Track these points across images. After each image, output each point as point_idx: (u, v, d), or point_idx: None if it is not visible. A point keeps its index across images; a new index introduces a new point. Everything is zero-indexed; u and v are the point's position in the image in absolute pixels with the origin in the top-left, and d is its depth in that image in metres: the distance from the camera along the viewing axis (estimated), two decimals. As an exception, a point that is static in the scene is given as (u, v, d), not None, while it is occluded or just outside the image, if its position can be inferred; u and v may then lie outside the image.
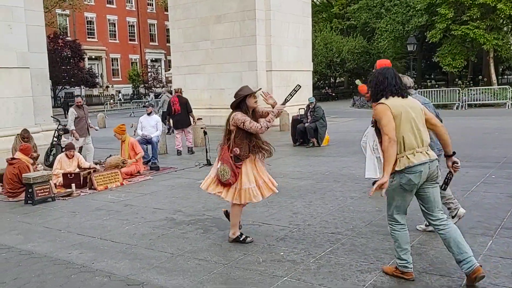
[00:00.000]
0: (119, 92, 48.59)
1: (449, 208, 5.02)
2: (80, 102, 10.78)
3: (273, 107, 4.79)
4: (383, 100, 3.74)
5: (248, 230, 5.36)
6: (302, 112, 13.52)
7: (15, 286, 4.15)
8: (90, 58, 47.83)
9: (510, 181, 7.26)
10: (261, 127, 4.68)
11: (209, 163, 10.10)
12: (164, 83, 50.82)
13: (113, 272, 4.35)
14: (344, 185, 7.58)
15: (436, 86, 31.78)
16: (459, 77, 34.62)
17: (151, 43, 56.63)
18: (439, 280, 3.82)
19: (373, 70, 6.97)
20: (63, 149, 11.25)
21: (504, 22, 27.37)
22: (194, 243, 5.07)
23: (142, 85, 50.81)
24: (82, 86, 42.80)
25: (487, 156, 9.55)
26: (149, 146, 10.75)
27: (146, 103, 18.25)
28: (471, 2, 26.11)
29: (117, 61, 52.62)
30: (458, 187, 6.96)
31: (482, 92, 24.85)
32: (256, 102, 4.85)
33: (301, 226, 5.48)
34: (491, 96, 24.42)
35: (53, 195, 7.48)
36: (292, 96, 4.98)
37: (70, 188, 8.07)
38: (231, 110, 4.89)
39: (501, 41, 27.78)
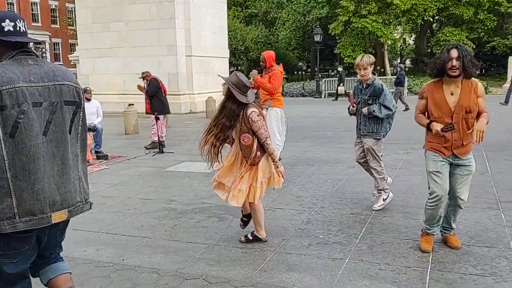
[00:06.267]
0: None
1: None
2: None
3: None
4: None
5: (266, 215, 5.19)
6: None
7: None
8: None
9: None
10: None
11: (161, 151, 9.59)
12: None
13: (155, 267, 3.95)
14: (320, 168, 7.70)
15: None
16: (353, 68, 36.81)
17: (33, 24, 51.68)
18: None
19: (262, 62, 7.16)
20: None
21: (397, 18, 29.56)
22: (219, 232, 4.78)
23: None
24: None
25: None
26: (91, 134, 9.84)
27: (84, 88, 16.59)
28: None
29: (-6, 43, 47.30)
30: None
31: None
32: None
33: (316, 209, 5.45)
34: (388, 84, 26.37)
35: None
36: None
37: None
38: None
39: (393, 35, 30.13)
